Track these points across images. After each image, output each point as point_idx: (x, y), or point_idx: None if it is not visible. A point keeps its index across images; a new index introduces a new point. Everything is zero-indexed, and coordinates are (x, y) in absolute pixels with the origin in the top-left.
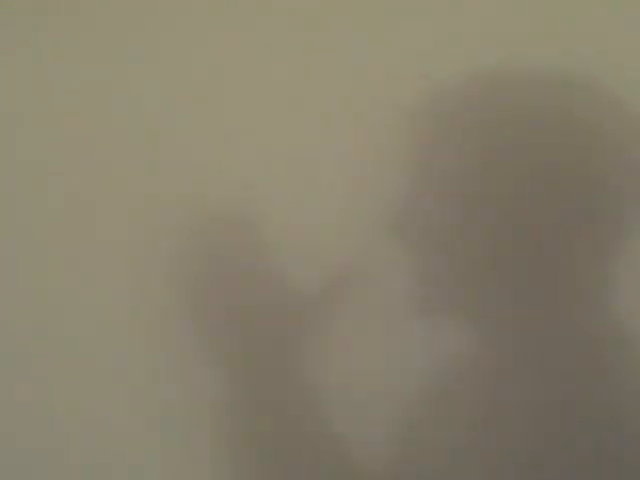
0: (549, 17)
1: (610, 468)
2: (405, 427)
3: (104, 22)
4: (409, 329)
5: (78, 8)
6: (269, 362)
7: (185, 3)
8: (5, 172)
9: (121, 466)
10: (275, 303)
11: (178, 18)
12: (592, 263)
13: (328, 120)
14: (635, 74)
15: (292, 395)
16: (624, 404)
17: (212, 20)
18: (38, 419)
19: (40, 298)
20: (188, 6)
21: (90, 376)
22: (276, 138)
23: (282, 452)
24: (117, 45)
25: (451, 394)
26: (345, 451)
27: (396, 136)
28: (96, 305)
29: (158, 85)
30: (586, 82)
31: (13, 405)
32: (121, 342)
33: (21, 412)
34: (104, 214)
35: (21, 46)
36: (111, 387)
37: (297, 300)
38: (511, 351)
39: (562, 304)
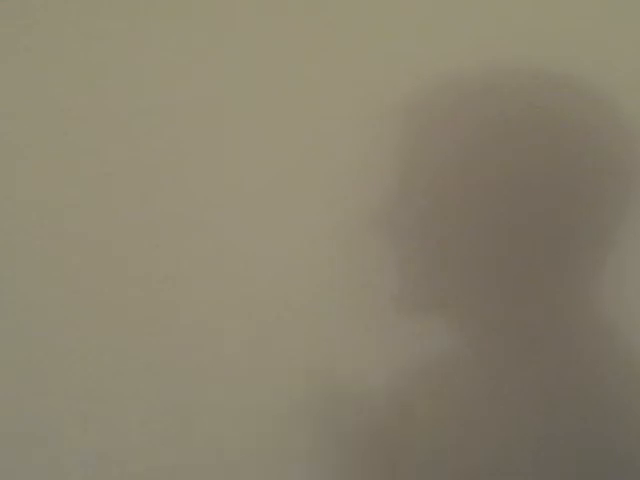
0: (549, 17)
1: (608, 467)
2: (396, 426)
3: (104, 22)
4: (400, 328)
5: (78, 8)
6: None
7: (185, 3)
8: (5, 172)
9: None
10: None
11: (178, 18)
12: (587, 261)
13: (327, 118)
14: (635, 74)
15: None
16: (620, 402)
17: (212, 20)
18: None
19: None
20: (188, 6)
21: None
22: (275, 138)
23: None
24: (117, 45)
25: (442, 393)
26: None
27: (391, 133)
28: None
29: (158, 85)
30: (584, 80)
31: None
32: None
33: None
34: (103, 214)
35: (21, 46)
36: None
37: None
38: (503, 350)
39: (556, 302)
